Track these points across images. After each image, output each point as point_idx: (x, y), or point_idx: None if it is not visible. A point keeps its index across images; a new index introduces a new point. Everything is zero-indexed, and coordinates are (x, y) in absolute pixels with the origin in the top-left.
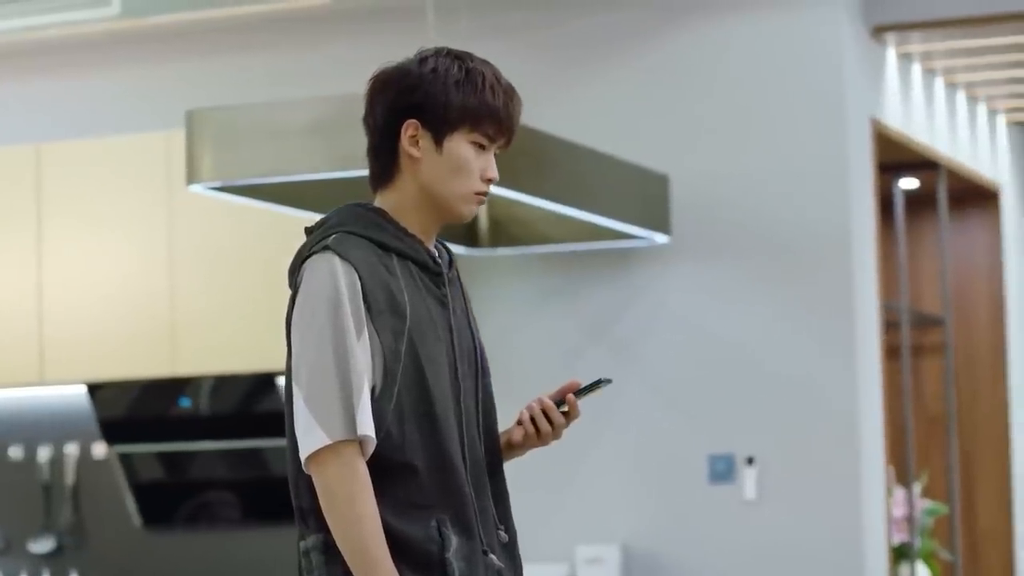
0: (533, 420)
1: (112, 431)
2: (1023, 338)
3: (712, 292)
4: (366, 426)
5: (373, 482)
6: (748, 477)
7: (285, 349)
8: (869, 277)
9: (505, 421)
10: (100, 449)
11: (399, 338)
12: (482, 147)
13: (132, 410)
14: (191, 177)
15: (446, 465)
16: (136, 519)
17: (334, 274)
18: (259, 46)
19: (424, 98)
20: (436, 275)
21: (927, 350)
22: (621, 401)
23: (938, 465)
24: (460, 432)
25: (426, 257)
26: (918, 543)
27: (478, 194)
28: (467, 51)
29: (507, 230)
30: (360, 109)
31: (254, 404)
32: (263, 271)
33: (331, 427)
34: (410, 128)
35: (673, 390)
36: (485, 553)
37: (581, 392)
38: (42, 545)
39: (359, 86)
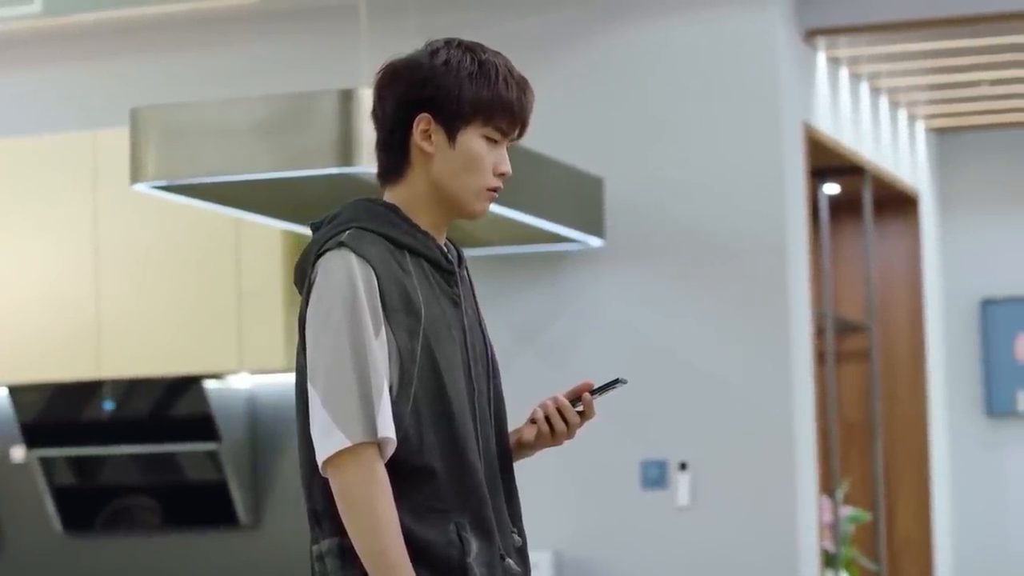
0: (548, 419)
1: (32, 434)
2: (941, 346)
3: (646, 296)
4: (387, 428)
5: (390, 485)
6: (681, 483)
7: (295, 347)
8: (802, 282)
9: None
10: (19, 452)
11: (414, 338)
12: (494, 141)
13: (53, 413)
14: (135, 176)
15: (464, 467)
16: (56, 523)
17: (350, 271)
18: (187, 45)
19: (436, 91)
20: (448, 273)
21: (845, 356)
22: None
23: (857, 472)
24: (476, 433)
25: (439, 255)
26: (841, 550)
27: (491, 190)
28: (478, 42)
29: None
30: (308, 108)
31: (178, 408)
32: (190, 273)
33: (350, 429)
34: (422, 122)
35: (605, 395)
36: (503, 558)
37: (597, 391)
38: None
39: (294, 86)
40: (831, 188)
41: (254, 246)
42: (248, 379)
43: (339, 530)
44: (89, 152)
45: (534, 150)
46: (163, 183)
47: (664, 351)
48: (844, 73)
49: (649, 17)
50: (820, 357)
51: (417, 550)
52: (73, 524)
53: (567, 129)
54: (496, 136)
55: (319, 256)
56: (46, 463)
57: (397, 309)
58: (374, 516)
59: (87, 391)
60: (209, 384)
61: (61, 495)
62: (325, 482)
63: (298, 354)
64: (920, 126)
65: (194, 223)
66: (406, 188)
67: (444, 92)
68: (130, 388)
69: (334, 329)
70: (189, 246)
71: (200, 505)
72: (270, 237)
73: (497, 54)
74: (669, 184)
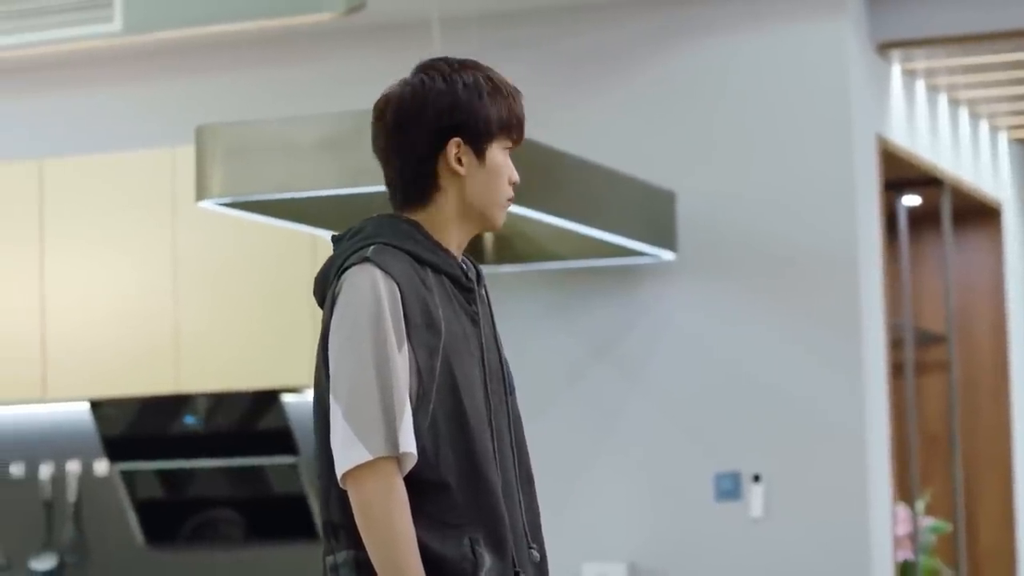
0: None
1: (115, 448)
2: None
3: (718, 309)
4: (408, 443)
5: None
6: (755, 495)
7: (315, 362)
8: (875, 295)
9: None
10: (102, 466)
11: (434, 354)
12: (508, 152)
13: (135, 427)
14: (200, 193)
15: (479, 483)
16: (138, 537)
17: (375, 286)
18: (263, 62)
19: (466, 115)
20: (468, 291)
21: (927, 368)
22: (627, 418)
23: (939, 483)
24: (493, 449)
25: (459, 272)
26: (921, 560)
27: (510, 199)
28: (469, 59)
29: (512, 247)
30: None
31: (257, 421)
32: (267, 288)
33: (372, 443)
34: (454, 146)
35: (679, 407)
36: (517, 574)
37: None
38: (44, 563)
39: (366, 102)
40: (911, 200)
41: None
42: None
43: (355, 543)
44: (168, 168)
45: (607, 165)
46: (228, 200)
47: (737, 363)
48: (920, 85)
49: (719, 30)
50: (899, 369)
51: (430, 563)
52: (155, 537)
53: (639, 144)
54: (511, 147)
55: (343, 270)
56: (128, 477)
57: (418, 325)
58: (392, 530)
59: (169, 405)
60: (287, 398)
61: (143, 508)
62: (342, 494)
63: (317, 368)
64: (1003, 137)
65: (270, 237)
66: (433, 210)
67: (473, 115)
68: (212, 402)
69: (358, 343)
70: (266, 260)
71: (281, 518)
72: None
73: (491, 68)
74: (741, 197)
